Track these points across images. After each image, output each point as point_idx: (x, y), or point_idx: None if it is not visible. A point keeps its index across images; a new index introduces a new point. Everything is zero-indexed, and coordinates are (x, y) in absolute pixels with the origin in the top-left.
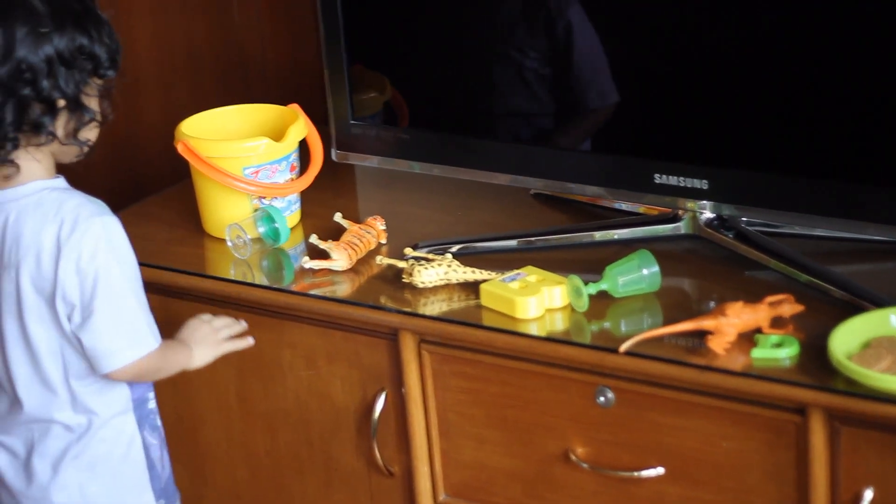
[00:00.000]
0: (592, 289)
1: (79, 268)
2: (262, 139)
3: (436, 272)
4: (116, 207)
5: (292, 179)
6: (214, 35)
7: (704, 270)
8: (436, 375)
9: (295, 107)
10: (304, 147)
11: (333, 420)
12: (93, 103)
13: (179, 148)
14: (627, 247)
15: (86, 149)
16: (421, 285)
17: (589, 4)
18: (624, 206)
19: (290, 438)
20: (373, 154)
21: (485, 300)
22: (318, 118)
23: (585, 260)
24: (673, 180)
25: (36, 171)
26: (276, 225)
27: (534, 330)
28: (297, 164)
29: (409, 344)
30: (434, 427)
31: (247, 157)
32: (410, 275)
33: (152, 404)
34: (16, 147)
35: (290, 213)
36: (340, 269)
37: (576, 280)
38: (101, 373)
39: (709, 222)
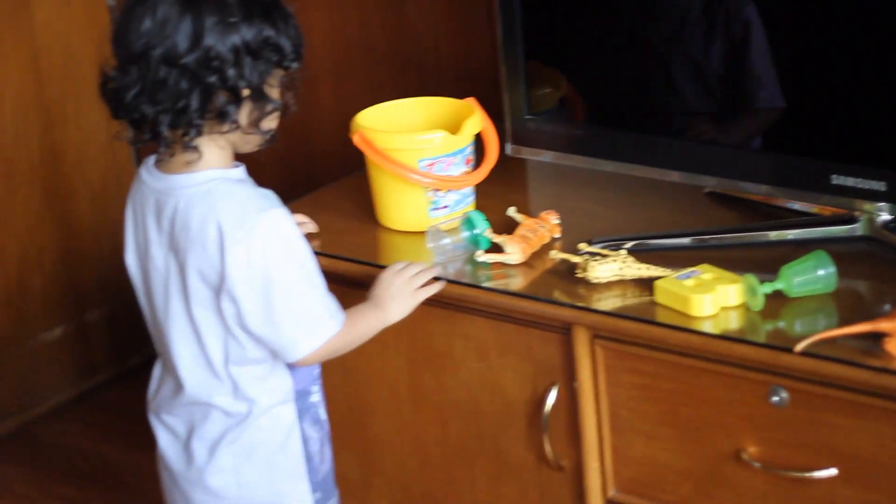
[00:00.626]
0: (768, 288)
1: (249, 264)
2: (439, 132)
3: (610, 268)
4: (290, 197)
5: (467, 173)
6: (389, 28)
7: (880, 272)
8: (608, 371)
9: (471, 100)
10: (476, 141)
11: (504, 413)
12: (275, 94)
13: (355, 139)
14: (801, 247)
15: (268, 138)
16: (595, 280)
17: (767, 2)
18: (797, 206)
19: (461, 430)
20: (547, 149)
21: (659, 297)
22: (491, 112)
23: (759, 259)
24: (850, 181)
25: (214, 159)
26: (477, 231)
27: (708, 328)
28: (472, 157)
29: (582, 339)
30: (605, 422)
31: (423, 149)
32: (584, 270)
33: (315, 398)
34: (199, 134)
35: (464, 206)
36: (514, 262)
37: (751, 279)
38: (288, 362)
39: (886, 224)
